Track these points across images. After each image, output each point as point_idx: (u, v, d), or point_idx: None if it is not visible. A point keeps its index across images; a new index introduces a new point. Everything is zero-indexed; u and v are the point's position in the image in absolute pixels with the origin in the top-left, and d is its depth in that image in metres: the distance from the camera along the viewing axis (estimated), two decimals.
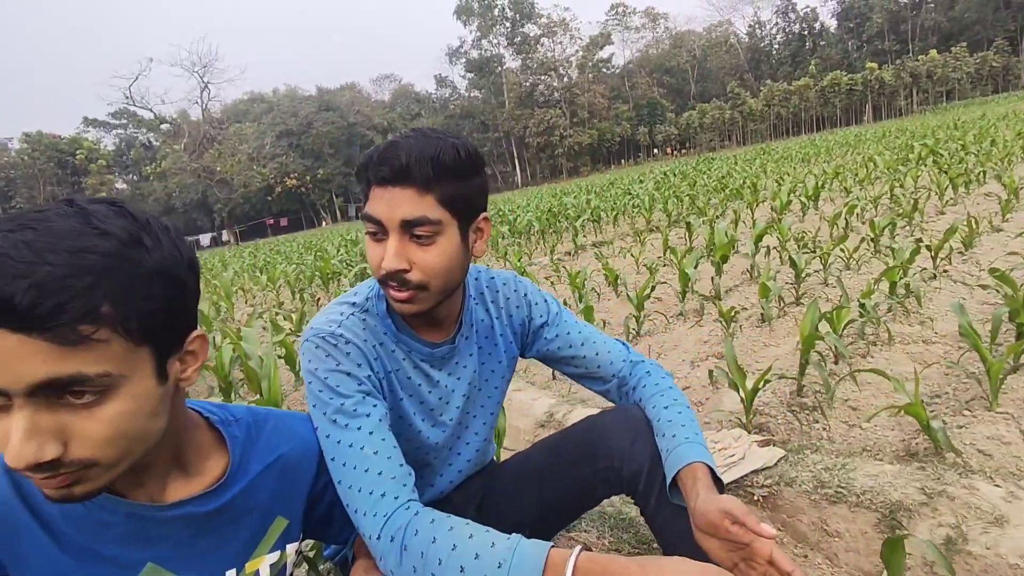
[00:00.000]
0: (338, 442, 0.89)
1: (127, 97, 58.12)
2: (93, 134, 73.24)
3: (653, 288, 3.73)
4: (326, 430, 0.90)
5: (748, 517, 0.80)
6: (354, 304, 1.02)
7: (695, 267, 3.91)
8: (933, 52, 63.86)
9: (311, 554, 1.33)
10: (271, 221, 68.86)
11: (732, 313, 3.21)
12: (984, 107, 33.55)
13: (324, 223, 74.73)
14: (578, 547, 0.73)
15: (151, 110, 59.38)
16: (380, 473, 0.86)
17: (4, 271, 0.49)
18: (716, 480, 0.93)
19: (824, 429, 2.06)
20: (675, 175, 16.71)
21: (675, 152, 73.52)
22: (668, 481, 0.95)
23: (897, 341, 2.73)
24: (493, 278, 1.15)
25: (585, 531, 1.58)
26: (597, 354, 1.15)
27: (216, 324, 4.82)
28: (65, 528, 0.65)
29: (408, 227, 0.88)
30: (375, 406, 0.92)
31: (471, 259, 1.00)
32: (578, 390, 2.80)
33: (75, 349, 0.52)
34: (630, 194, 12.12)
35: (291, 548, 0.86)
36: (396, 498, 0.85)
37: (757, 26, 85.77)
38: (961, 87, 64.30)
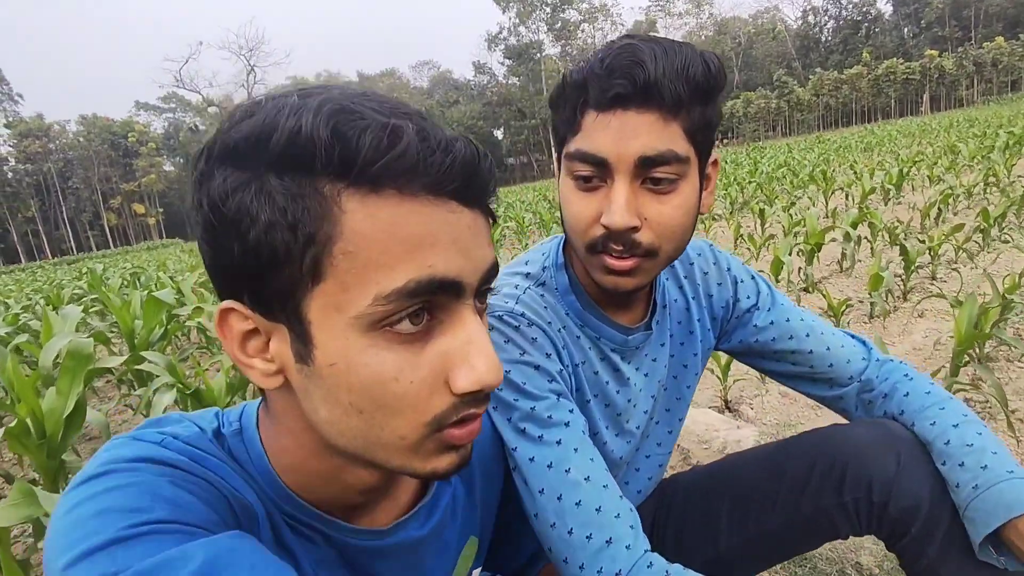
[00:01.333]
0: (531, 459, 0.66)
1: (177, 80, 59.72)
2: (144, 117, 75.63)
3: None
4: (512, 442, 0.67)
5: None
6: (528, 275, 0.79)
7: (789, 254, 3.57)
8: (999, 39, 60.48)
9: None
10: None
11: (841, 308, 2.87)
12: None
13: None
14: None
15: (199, 93, 60.83)
16: (599, 509, 0.63)
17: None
18: None
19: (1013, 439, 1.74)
20: (727, 162, 16.11)
21: (718, 142, 71.89)
22: (980, 531, 0.68)
23: None
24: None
25: None
26: (828, 349, 0.88)
27: None
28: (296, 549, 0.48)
29: (647, 167, 0.64)
30: (571, 411, 0.69)
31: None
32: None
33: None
34: None
35: (477, 573, 0.63)
36: (628, 547, 0.61)
37: (810, 12, 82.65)
38: None
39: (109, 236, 68.84)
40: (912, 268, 3.37)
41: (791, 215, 4.98)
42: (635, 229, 0.65)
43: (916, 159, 8.34)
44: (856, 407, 0.89)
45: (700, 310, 0.90)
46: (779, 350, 0.90)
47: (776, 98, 69.36)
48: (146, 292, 4.96)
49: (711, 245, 0.94)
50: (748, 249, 4.97)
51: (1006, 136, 9.27)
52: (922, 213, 4.97)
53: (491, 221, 0.44)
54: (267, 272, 0.38)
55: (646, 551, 0.62)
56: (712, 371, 2.24)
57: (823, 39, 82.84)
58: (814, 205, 5.98)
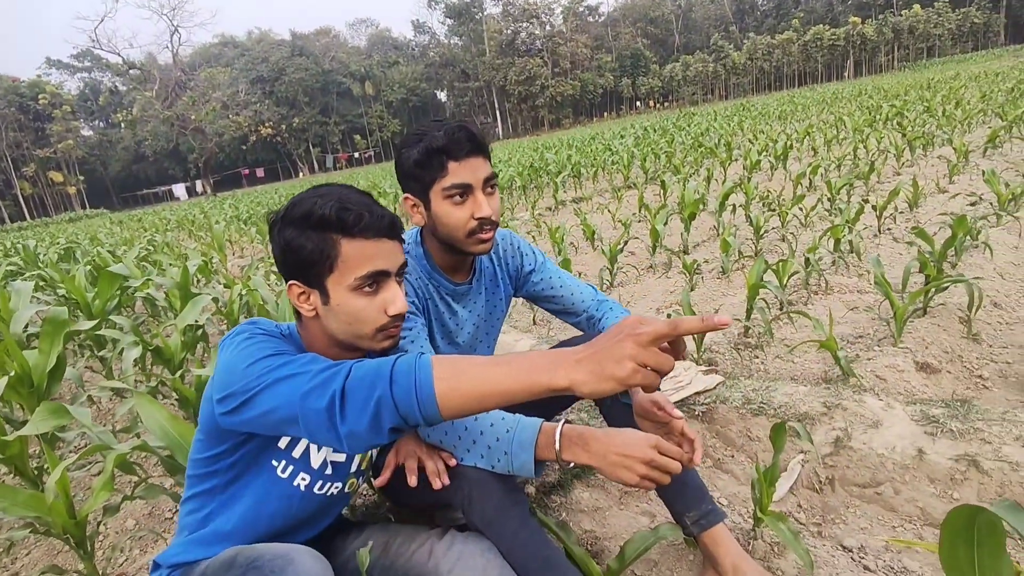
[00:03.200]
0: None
1: (93, 41, 55.20)
2: (56, 77, 69.85)
3: (626, 243, 4.06)
4: None
5: (667, 405, 1.15)
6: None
7: (665, 224, 4.24)
8: (916, 7, 63.46)
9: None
10: (246, 171, 67.26)
11: (695, 266, 3.56)
12: (960, 65, 33.84)
13: (301, 174, 73.24)
14: (563, 420, 1.07)
15: (119, 54, 56.54)
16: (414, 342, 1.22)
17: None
18: None
19: (762, 362, 2.45)
20: (655, 131, 16.86)
21: (658, 105, 72.82)
22: None
23: (835, 291, 3.12)
24: None
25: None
26: (572, 294, 1.49)
27: (212, 277, 5.05)
28: None
29: (488, 183, 1.20)
30: (421, 323, 1.26)
31: None
32: (554, 332, 3.16)
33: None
34: (610, 150, 12.32)
35: None
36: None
37: None
38: (942, 44, 64.31)
39: (24, 207, 64.18)
40: (761, 234, 4.11)
41: (685, 187, 5.67)
42: (493, 214, 1.22)
43: (808, 131, 9.24)
44: (588, 327, 1.51)
45: (503, 273, 1.48)
46: (546, 295, 1.50)
47: (713, 62, 70.80)
48: (87, 266, 5.21)
49: (510, 232, 1.52)
50: (646, 216, 5.65)
51: (888, 109, 10.30)
52: (793, 183, 5.76)
53: (401, 242, 1.00)
54: (310, 269, 0.94)
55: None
56: None
57: (758, 3, 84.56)
58: (711, 175, 6.71)
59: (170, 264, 4.67)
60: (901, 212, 4.40)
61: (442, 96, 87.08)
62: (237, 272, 6.06)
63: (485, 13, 77.83)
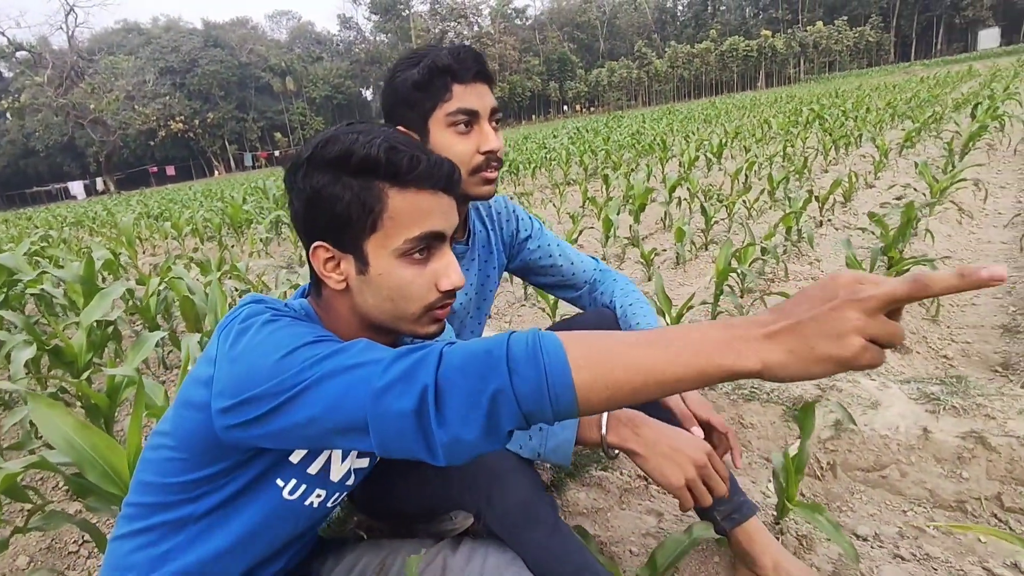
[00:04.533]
0: None
1: None
2: None
3: (581, 233, 3.95)
4: None
5: (712, 415, 1.01)
6: None
7: (618, 214, 4.16)
8: (820, 23, 68.41)
9: None
10: (155, 169, 62.61)
11: (651, 255, 3.49)
12: (860, 78, 36.69)
13: (217, 172, 69.12)
14: None
15: (3, 34, 51.16)
16: None
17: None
18: None
19: None
20: (587, 131, 17.08)
21: (584, 110, 74.44)
22: None
23: (791, 277, 3.13)
24: None
25: None
26: (572, 263, 1.31)
27: (121, 273, 4.51)
28: None
29: (494, 114, 1.03)
30: None
31: None
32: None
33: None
34: (546, 148, 12.31)
35: None
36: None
37: None
38: (841, 59, 69.66)
39: None
40: (711, 224, 4.12)
41: (629, 181, 5.66)
42: (501, 149, 1.02)
43: (737, 132, 9.59)
44: (590, 302, 1.33)
45: (496, 238, 1.28)
46: (544, 265, 1.31)
47: (637, 68, 73.25)
48: None
49: (504, 197, 1.32)
50: (592, 210, 5.59)
51: (808, 112, 10.89)
52: (731, 178, 5.88)
53: (458, 200, 0.78)
54: (345, 227, 0.72)
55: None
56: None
57: (678, 13, 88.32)
58: (651, 172, 6.76)
59: (69, 259, 4.12)
60: (839, 203, 4.55)
61: (368, 94, 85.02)
62: (148, 271, 5.49)
63: (412, 11, 76.78)
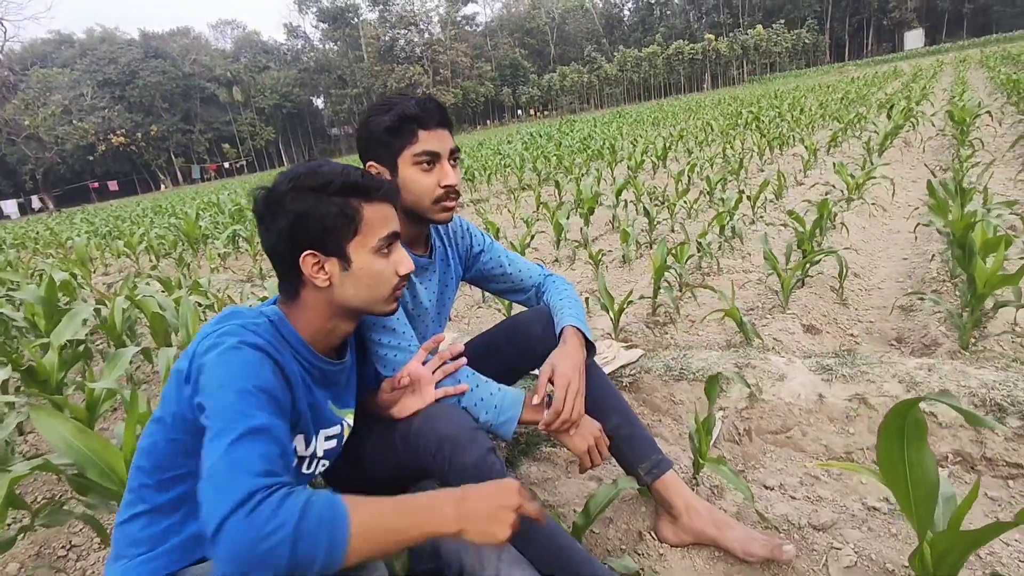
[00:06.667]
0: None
1: None
2: None
3: (533, 237, 4.18)
4: None
5: (547, 367, 1.26)
6: None
7: (567, 218, 4.41)
8: (759, 27, 71.09)
9: None
10: (95, 184, 59.95)
11: (599, 256, 3.75)
12: (798, 79, 38.39)
13: (164, 186, 66.86)
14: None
15: None
16: (403, 333, 1.26)
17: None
18: (589, 344, 1.34)
19: (671, 337, 2.63)
20: (541, 136, 17.42)
21: (538, 114, 75.19)
22: (558, 338, 1.35)
23: (724, 271, 3.43)
24: None
25: None
26: (520, 271, 1.52)
27: (78, 293, 4.50)
28: (297, 372, 0.97)
29: (453, 154, 1.26)
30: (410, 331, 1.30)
31: None
32: (475, 328, 3.18)
33: None
34: (500, 154, 12.56)
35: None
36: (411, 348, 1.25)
37: None
38: (781, 60, 72.54)
39: None
40: (654, 225, 4.41)
41: (579, 185, 5.93)
42: (458, 184, 1.25)
43: (681, 135, 10.05)
44: (536, 303, 1.55)
45: (453, 253, 1.48)
46: (496, 274, 1.52)
47: (587, 73, 74.50)
48: None
49: (459, 216, 1.52)
50: (544, 214, 5.83)
51: (746, 114, 11.47)
52: (675, 180, 6.23)
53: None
54: (331, 235, 0.96)
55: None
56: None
57: (625, 18, 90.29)
58: (600, 176, 7.07)
59: (24, 282, 4.10)
60: (770, 201, 4.92)
61: (319, 103, 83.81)
62: (104, 290, 5.44)
63: (361, 19, 76.14)
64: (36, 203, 47.59)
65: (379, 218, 0.99)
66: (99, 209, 29.10)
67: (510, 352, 1.46)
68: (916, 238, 3.44)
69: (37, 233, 13.66)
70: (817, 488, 1.56)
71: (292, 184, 0.95)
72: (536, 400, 1.20)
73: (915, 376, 1.75)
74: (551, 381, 1.22)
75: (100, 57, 67.27)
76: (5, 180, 64.05)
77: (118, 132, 62.63)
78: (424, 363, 1.21)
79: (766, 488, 1.59)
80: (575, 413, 1.19)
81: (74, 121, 55.09)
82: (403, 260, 1.03)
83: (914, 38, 62.92)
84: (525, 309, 1.60)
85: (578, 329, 1.33)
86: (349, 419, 1.14)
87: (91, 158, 62.83)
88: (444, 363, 1.22)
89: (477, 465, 1.04)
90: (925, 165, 5.32)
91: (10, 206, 52.71)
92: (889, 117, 7.29)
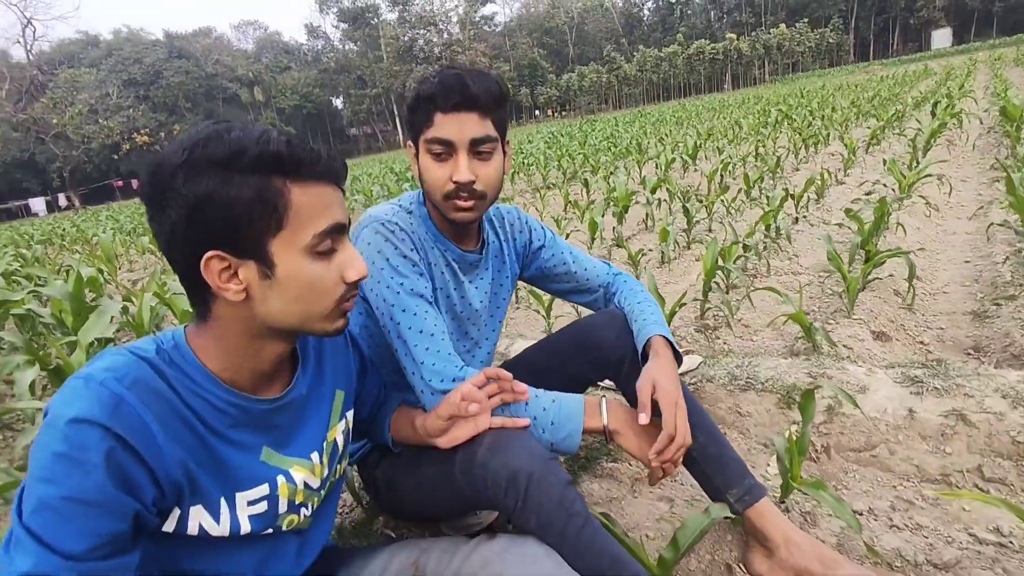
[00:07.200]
0: (404, 310, 1.07)
1: None
2: None
3: (568, 237, 4.03)
4: (392, 300, 1.07)
5: (647, 382, 1.08)
6: (400, 206, 1.18)
7: (603, 216, 4.26)
8: (782, 26, 70.07)
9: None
10: (120, 183, 60.96)
11: (638, 255, 3.59)
12: (823, 79, 37.72)
13: None
14: (602, 396, 0.97)
15: None
16: (432, 335, 1.07)
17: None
18: (676, 352, 1.19)
19: (724, 342, 2.47)
20: (562, 135, 17.25)
21: (556, 114, 74.93)
22: (640, 350, 1.20)
23: (772, 273, 3.25)
24: (498, 208, 1.33)
25: None
26: (586, 269, 1.38)
27: (104, 289, 4.46)
28: (205, 416, 0.74)
29: (475, 145, 1.06)
30: (427, 286, 1.12)
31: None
32: (511, 331, 3.04)
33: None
34: (523, 153, 12.42)
35: (349, 415, 1.00)
36: (458, 367, 1.06)
37: None
38: (804, 60, 71.41)
39: None
40: (692, 224, 4.24)
41: (609, 183, 5.77)
42: (472, 182, 1.07)
43: (710, 133, 9.82)
44: (605, 304, 1.40)
45: (509, 248, 1.34)
46: (558, 272, 1.37)
47: (607, 73, 74.04)
48: None
49: (517, 208, 1.38)
50: (574, 213, 5.69)
51: (776, 113, 11.20)
52: (708, 179, 6.04)
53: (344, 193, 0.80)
54: (244, 230, 0.68)
55: (464, 367, 1.05)
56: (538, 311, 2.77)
57: (645, 17, 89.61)
58: (629, 174, 6.90)
59: (54, 277, 4.06)
60: (812, 200, 4.72)
61: (338, 103, 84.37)
62: (129, 286, 5.40)
63: (381, 19, 76.52)
64: (63, 201, 48.63)
65: (314, 205, 0.71)
66: (123, 207, 29.54)
67: (579, 361, 1.31)
68: (988, 239, 3.23)
69: (64, 230, 13.84)
70: (914, 514, 1.39)
71: (187, 156, 0.66)
72: (644, 420, 1.04)
73: (1020, 391, 1.57)
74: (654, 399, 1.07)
75: (125, 57, 68.39)
76: (34, 178, 65.28)
77: (142, 131, 63.50)
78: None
79: (854, 512, 1.43)
80: (688, 437, 1.03)
81: (100, 120, 56.08)
82: (351, 262, 0.76)
83: (942, 37, 61.53)
84: (591, 313, 1.46)
85: (667, 339, 1.18)
86: (302, 472, 0.85)
87: (116, 157, 63.81)
88: (502, 390, 1.03)
89: (559, 504, 0.90)
90: (995, 159, 5.07)
91: (38, 204, 53.87)
92: (933, 115, 7.01)
